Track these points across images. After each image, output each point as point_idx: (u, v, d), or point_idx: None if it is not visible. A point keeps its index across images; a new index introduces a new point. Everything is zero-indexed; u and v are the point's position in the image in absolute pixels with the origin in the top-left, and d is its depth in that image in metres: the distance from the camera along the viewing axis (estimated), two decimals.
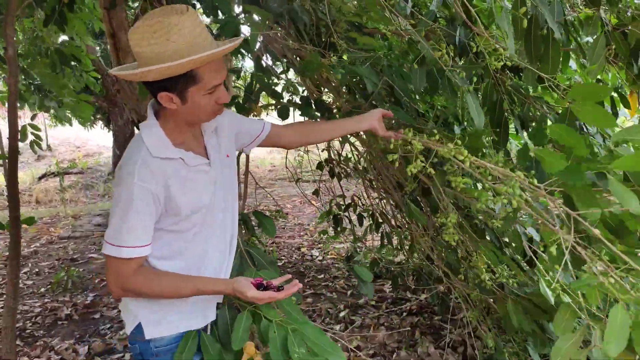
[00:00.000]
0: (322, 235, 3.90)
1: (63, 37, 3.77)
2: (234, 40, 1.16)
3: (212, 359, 1.27)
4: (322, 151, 3.36)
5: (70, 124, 4.19)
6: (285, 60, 2.50)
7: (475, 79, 1.86)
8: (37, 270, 4.53)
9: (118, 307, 3.56)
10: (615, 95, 2.06)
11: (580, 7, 1.88)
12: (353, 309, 3.34)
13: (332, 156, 3.29)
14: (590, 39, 1.67)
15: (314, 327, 1.24)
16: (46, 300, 3.77)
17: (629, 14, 1.67)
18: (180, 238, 1.26)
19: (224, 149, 1.36)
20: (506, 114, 1.80)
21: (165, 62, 1.05)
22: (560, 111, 1.84)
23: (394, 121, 1.82)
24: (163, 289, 1.20)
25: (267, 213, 2.01)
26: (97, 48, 7.32)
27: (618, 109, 2.11)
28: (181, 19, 1.05)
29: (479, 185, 1.80)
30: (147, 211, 1.15)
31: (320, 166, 3.30)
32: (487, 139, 2.28)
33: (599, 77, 2.24)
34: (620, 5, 1.66)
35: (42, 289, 4.01)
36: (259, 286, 1.22)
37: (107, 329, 3.24)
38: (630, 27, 1.65)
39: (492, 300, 1.92)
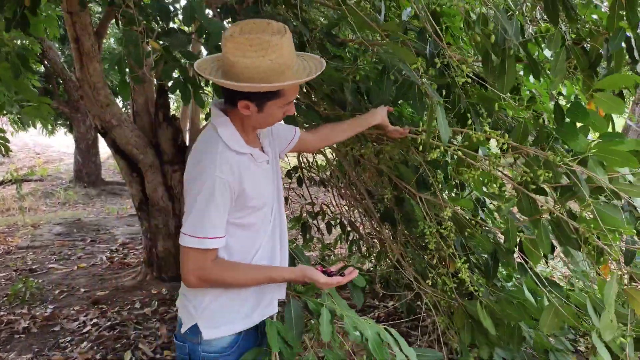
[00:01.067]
0: (290, 244, 3.88)
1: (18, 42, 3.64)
2: (314, 57, 1.27)
3: (276, 343, 1.34)
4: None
5: (34, 126, 4.00)
6: None
7: (444, 92, 1.91)
8: None
9: (80, 318, 3.44)
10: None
11: (540, 22, 1.96)
12: None
13: (302, 164, 3.30)
14: (551, 53, 1.74)
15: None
16: (2, 313, 3.60)
17: (587, 27, 1.75)
18: (245, 233, 1.31)
19: (273, 149, 1.46)
20: (473, 123, 1.85)
21: (259, 77, 1.12)
22: (520, 120, 1.91)
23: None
24: (239, 278, 1.27)
25: None
26: (60, 53, 7.11)
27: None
28: (281, 40, 1.11)
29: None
30: (225, 203, 1.21)
31: (289, 174, 3.30)
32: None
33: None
34: (579, 21, 1.74)
35: None
36: (324, 273, 1.33)
37: (68, 342, 3.12)
38: (589, 42, 1.73)
39: (459, 305, 1.96)
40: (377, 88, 1.79)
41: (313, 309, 1.46)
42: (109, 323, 3.34)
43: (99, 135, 9.37)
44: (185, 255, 1.22)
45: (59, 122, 10.59)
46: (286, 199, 3.59)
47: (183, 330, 1.32)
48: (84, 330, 3.26)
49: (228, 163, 1.20)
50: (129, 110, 3.86)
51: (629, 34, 1.67)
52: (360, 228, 3.12)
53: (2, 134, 3.05)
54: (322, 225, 3.32)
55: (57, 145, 13.49)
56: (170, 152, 3.75)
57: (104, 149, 9.80)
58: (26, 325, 3.35)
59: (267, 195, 1.34)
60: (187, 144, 3.93)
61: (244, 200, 1.25)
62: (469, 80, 1.60)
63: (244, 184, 1.23)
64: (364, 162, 2.35)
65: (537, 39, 1.83)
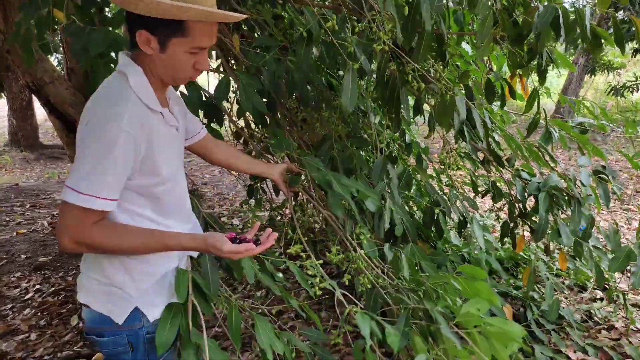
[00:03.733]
0: (243, 204, 3.86)
1: None
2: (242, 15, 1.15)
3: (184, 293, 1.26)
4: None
5: None
6: None
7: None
8: None
9: (21, 285, 3.32)
10: (504, 83, 2.21)
11: None
12: None
13: (249, 123, 3.24)
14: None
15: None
16: None
17: None
18: (152, 203, 1.19)
19: (182, 121, 1.33)
20: (400, 92, 1.83)
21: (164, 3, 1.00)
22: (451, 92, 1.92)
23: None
24: (124, 243, 1.09)
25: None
26: None
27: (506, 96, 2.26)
28: None
29: None
30: (126, 163, 1.06)
31: (237, 135, 3.24)
32: (382, 121, 2.37)
33: (486, 57, 2.37)
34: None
35: None
36: (234, 240, 1.15)
37: (9, 309, 3.02)
38: (521, 15, 1.74)
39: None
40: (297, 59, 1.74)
41: (229, 262, 1.40)
42: (53, 289, 3.25)
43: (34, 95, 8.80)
44: (62, 212, 1.05)
45: None
46: None
47: (121, 320, 1.19)
48: (26, 297, 3.17)
49: (139, 118, 1.07)
50: (63, 67, 3.63)
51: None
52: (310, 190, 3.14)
53: None
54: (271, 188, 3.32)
55: None
56: None
57: (40, 110, 9.23)
58: None
59: (176, 164, 1.23)
60: None
61: (151, 164, 1.12)
62: (389, 46, 1.58)
63: (152, 146, 1.11)
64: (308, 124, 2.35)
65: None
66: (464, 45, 2.42)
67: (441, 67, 1.95)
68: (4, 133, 9.77)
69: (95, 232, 1.06)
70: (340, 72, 2.81)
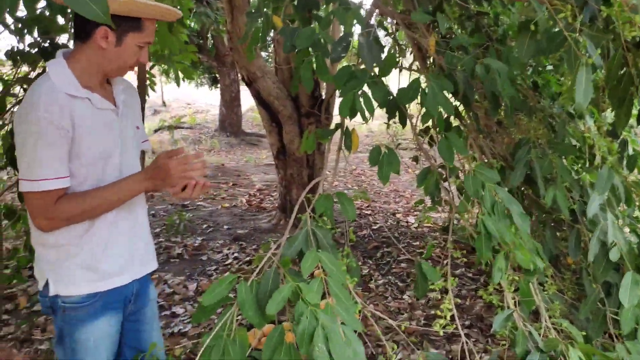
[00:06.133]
0: (417, 204, 3.83)
1: None
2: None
3: (247, 312, 1.18)
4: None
5: (178, 84, 4.05)
6: (393, 20, 2.43)
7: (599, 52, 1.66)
8: (152, 212, 5.00)
9: (223, 251, 3.84)
10: None
11: None
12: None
13: (434, 122, 3.18)
14: None
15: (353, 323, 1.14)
16: (161, 239, 4.17)
17: None
18: (75, 187, 1.23)
19: (133, 115, 1.40)
20: (632, 92, 1.58)
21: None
22: None
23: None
24: (87, 206, 1.21)
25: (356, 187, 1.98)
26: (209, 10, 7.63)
27: None
28: None
29: None
30: (58, 142, 1.16)
31: (421, 133, 3.22)
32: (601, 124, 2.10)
33: None
34: None
35: (157, 229, 4.43)
36: None
37: (213, 270, 3.52)
38: None
39: None
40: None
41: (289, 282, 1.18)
42: (247, 258, 3.68)
43: (240, 88, 9.99)
44: (27, 202, 1.18)
45: (206, 76, 11.50)
46: (416, 158, 3.50)
47: (40, 287, 1.29)
48: (227, 262, 3.66)
49: (57, 104, 1.15)
50: (272, 64, 4.06)
51: None
52: None
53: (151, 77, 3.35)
54: (453, 188, 3.21)
55: (204, 97, 14.77)
56: (307, 105, 3.89)
57: (244, 102, 10.51)
58: (180, 251, 3.86)
59: (106, 148, 1.26)
60: (324, 97, 4.03)
61: (78, 148, 1.19)
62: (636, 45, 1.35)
63: (77, 131, 1.18)
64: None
65: None
66: None
67: None
68: (215, 120, 11.36)
69: (60, 207, 1.18)
70: (549, 67, 2.59)
